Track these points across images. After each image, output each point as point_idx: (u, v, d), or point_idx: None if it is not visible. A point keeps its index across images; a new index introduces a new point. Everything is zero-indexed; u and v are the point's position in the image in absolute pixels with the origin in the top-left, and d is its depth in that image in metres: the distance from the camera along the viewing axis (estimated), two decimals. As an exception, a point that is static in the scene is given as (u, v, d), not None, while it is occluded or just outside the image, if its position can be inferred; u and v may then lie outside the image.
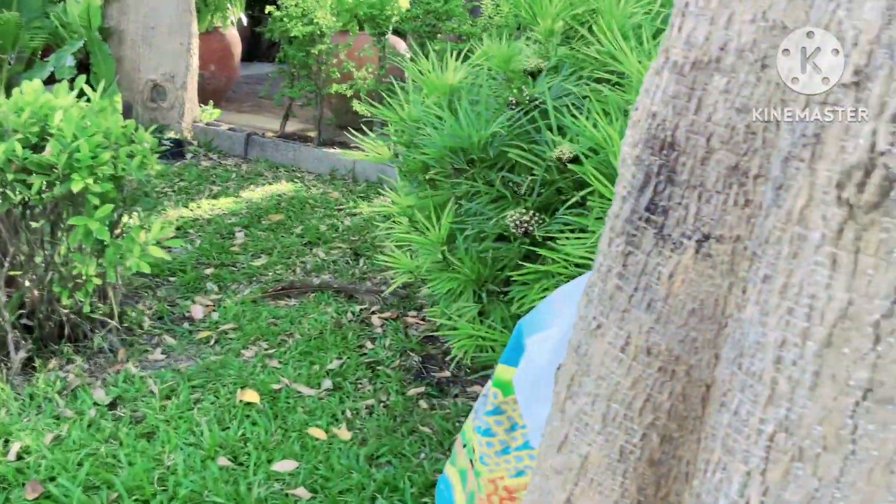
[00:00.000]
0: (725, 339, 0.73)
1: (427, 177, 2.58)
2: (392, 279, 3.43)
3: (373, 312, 3.24)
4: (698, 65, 0.72)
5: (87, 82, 2.90)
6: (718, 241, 0.72)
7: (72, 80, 2.87)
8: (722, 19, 0.72)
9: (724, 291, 0.73)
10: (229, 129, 5.83)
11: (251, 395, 2.53)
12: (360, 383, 2.69)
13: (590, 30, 2.53)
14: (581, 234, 1.97)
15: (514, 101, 2.35)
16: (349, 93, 5.37)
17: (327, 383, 2.66)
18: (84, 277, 2.62)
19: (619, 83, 2.32)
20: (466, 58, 2.82)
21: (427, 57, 2.75)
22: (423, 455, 2.30)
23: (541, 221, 2.12)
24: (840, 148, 0.59)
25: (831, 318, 0.61)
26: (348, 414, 2.49)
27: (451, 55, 2.69)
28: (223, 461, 2.21)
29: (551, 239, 2.06)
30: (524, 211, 2.13)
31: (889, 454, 0.60)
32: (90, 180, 2.40)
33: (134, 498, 2.02)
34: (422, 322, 3.16)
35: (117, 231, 2.70)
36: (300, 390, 2.61)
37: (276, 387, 2.60)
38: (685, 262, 0.74)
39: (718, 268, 0.73)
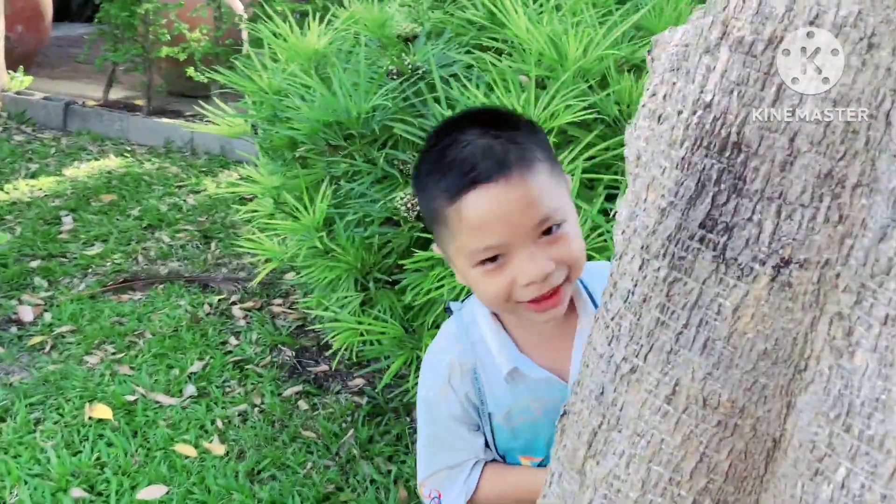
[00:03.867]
0: (804, 385, 0.59)
1: (296, 154, 2.33)
2: (252, 264, 3.15)
3: (233, 303, 2.94)
4: (775, 41, 0.56)
5: None
6: (802, 266, 0.57)
7: None
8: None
9: (806, 328, 0.59)
10: (44, 99, 5.28)
11: (102, 411, 2.21)
12: (229, 386, 2.42)
13: (465, -9, 2.36)
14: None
15: (395, 71, 2.14)
16: (182, 56, 4.95)
17: (190, 389, 2.37)
18: None
19: (500, 50, 2.18)
20: (329, 22, 2.57)
21: (285, 20, 2.48)
22: (309, 464, 2.08)
23: (433, 203, 1.94)
24: None
25: None
26: (219, 423, 2.22)
27: (315, 17, 2.44)
28: (77, 492, 1.90)
29: (446, 222, 1.90)
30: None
31: None
32: None
33: (-32, 554, 1.69)
34: (290, 311, 2.91)
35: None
36: (159, 400, 2.31)
37: (130, 398, 2.29)
38: (756, 293, 0.59)
39: (800, 299, 0.58)
